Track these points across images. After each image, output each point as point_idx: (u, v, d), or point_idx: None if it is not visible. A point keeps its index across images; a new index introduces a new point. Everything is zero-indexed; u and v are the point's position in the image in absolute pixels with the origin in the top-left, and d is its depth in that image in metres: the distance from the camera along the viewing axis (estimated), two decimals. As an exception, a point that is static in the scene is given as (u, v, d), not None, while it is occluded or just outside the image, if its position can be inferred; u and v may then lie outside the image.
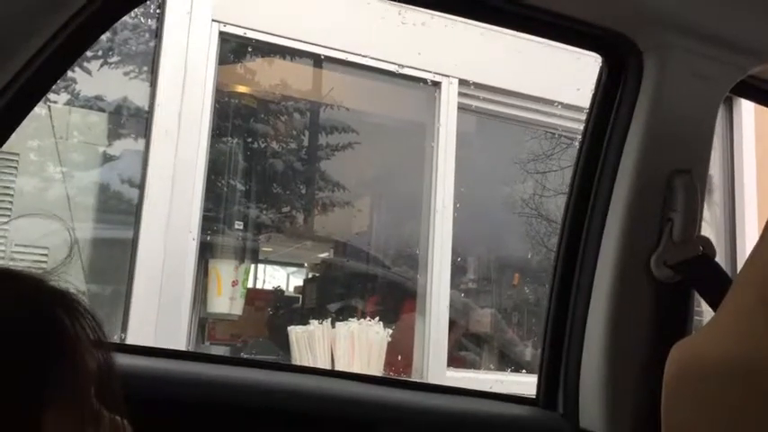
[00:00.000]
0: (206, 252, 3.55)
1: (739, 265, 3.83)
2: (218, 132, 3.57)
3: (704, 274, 1.16)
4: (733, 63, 1.19)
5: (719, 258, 1.21)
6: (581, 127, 1.35)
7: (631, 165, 1.18)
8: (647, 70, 1.18)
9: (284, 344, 3.54)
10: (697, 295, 1.21)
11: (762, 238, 0.88)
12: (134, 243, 3.13)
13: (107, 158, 3.57)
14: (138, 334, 2.99)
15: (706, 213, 1.23)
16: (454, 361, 3.75)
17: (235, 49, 3.69)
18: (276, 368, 1.30)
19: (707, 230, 1.22)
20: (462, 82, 3.81)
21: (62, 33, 0.87)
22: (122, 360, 0.70)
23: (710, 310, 1.13)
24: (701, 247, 1.17)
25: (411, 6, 1.20)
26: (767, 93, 1.31)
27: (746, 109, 4.03)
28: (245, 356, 3.74)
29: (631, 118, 1.19)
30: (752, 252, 0.90)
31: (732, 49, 1.17)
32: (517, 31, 1.24)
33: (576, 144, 4.03)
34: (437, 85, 3.80)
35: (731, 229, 4.00)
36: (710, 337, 0.90)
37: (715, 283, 1.13)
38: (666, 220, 1.16)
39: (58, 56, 0.90)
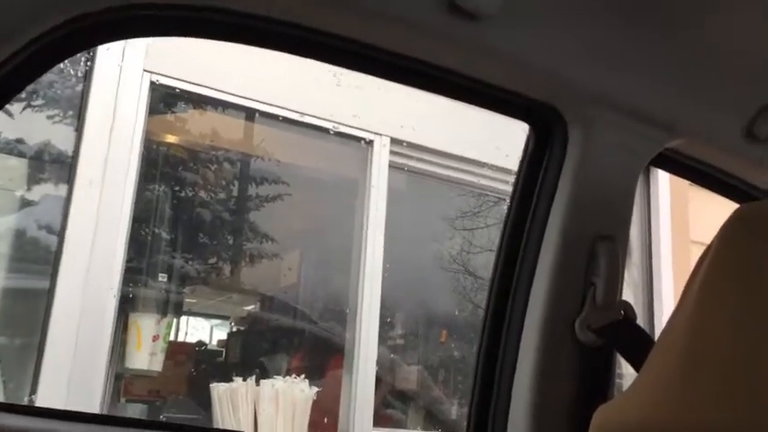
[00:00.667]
0: (126, 305, 3.43)
1: (657, 324, 3.97)
2: (145, 182, 3.49)
3: (626, 337, 1.19)
4: (652, 136, 1.25)
5: (639, 318, 1.25)
6: (509, 188, 1.38)
7: (556, 229, 1.22)
8: (572, 140, 1.23)
9: (206, 401, 3.42)
10: (619, 359, 1.24)
11: (679, 304, 0.92)
12: (50, 294, 3.00)
13: (25, 204, 3.44)
14: (50, 389, 2.84)
15: (626, 274, 1.27)
16: (380, 419, 3.70)
17: (166, 99, 3.65)
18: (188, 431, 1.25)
19: (627, 290, 1.26)
20: (394, 141, 3.88)
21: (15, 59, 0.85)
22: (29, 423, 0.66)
23: (631, 372, 1.15)
24: (622, 312, 1.21)
25: (339, 67, 1.20)
26: (682, 165, 1.38)
27: (662, 178, 4.24)
28: (158, 419, 3.59)
29: (557, 184, 1.24)
30: (669, 319, 0.94)
31: (651, 124, 1.23)
32: (446, 96, 1.27)
33: (503, 203, 4.14)
34: (369, 143, 3.85)
35: (649, 289, 4.15)
36: (632, 401, 0.92)
37: (637, 345, 1.17)
38: (589, 285, 1.20)
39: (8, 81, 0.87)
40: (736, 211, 0.91)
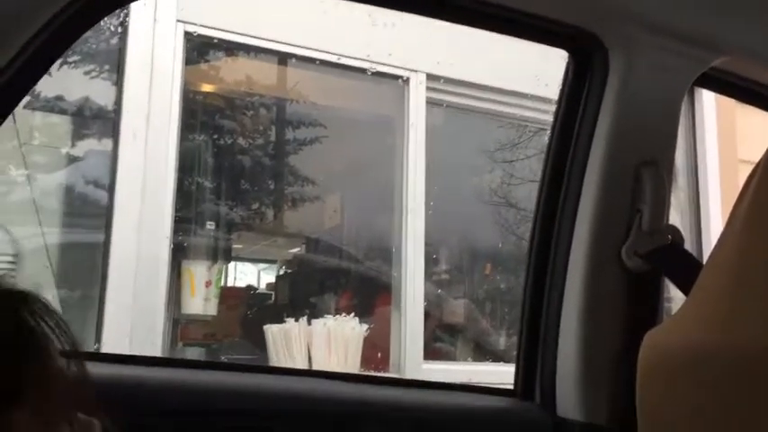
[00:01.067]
0: (178, 253, 3.52)
1: (705, 248, 3.93)
2: (186, 131, 3.53)
3: (674, 261, 1.19)
4: (695, 56, 1.22)
5: (687, 242, 1.24)
6: (549, 118, 1.37)
7: (600, 157, 1.21)
8: (613, 65, 1.21)
9: (260, 343, 3.53)
10: (667, 283, 1.24)
11: (727, 225, 0.92)
12: (106, 246, 3.09)
13: (71, 160, 3.52)
14: (112, 338, 2.96)
15: (672, 199, 1.26)
16: (430, 353, 3.78)
17: (201, 48, 3.66)
18: (250, 370, 1.30)
19: (673, 215, 1.25)
20: (430, 77, 3.83)
21: (47, 29, 0.87)
22: (96, 369, 0.70)
23: (680, 296, 1.16)
24: (669, 236, 1.20)
25: (377, 6, 1.20)
26: (727, 83, 1.34)
27: (707, 99, 4.11)
28: (218, 360, 3.72)
29: (599, 112, 1.22)
30: (719, 239, 0.93)
31: (693, 44, 1.20)
32: (482, 29, 1.26)
33: (543, 134, 4.09)
34: (406, 81, 3.81)
35: (696, 212, 4.09)
36: (682, 324, 0.93)
37: (685, 269, 1.16)
38: (636, 211, 1.19)
39: (43, 52, 0.89)
40: (785, 129, 0.89)
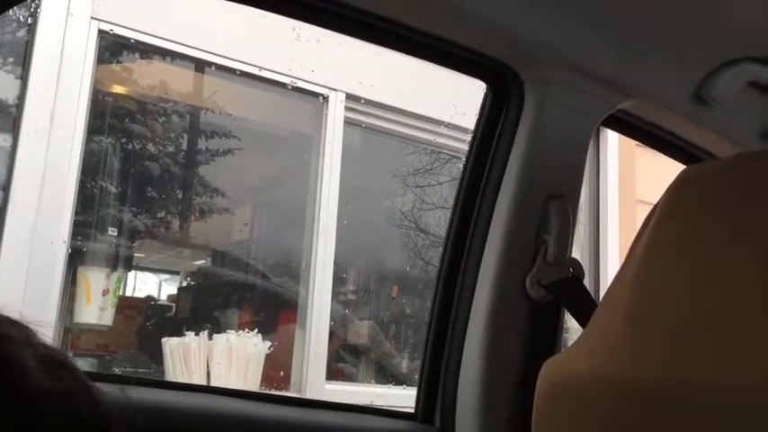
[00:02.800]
0: (75, 259, 3.37)
1: (602, 281, 4.07)
2: (92, 132, 3.40)
3: (574, 294, 1.23)
4: (605, 98, 1.28)
5: (586, 275, 1.29)
6: (465, 147, 1.40)
7: (511, 188, 1.24)
8: (528, 100, 1.25)
9: (158, 356, 3.41)
10: (566, 314, 1.28)
11: (624, 263, 0.95)
12: (-6, 247, 2.92)
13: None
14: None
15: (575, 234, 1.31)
16: (333, 374, 3.76)
17: (114, 48, 3.54)
18: (150, 385, 1.25)
19: (574, 249, 1.29)
20: (350, 97, 3.85)
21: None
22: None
23: (577, 328, 1.20)
24: (571, 269, 1.25)
25: (300, 21, 1.19)
26: (632, 126, 1.41)
27: (611, 139, 4.32)
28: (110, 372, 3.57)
29: (512, 143, 1.26)
30: (616, 276, 0.97)
31: (604, 85, 1.26)
32: (404, 53, 1.27)
33: (456, 161, 4.17)
34: (325, 98, 3.81)
35: (595, 247, 4.27)
36: (578, 355, 0.96)
37: (583, 302, 1.21)
38: (541, 242, 1.23)
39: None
40: (682, 172, 0.94)
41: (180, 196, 4.14)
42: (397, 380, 4.07)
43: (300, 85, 3.71)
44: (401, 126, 4.08)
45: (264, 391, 3.40)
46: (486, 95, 1.32)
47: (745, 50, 1.23)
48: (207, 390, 1.85)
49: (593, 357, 0.92)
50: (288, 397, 1.57)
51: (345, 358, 4.06)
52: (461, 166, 1.37)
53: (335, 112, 3.81)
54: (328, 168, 3.76)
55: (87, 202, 3.48)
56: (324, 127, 3.80)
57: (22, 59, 3.14)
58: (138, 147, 3.89)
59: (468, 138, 1.39)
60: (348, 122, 3.88)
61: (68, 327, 3.43)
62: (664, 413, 0.77)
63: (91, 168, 3.46)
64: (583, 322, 1.15)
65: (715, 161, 1.32)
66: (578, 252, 4.20)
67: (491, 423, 1.20)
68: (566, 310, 1.26)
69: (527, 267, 1.22)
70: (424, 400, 1.31)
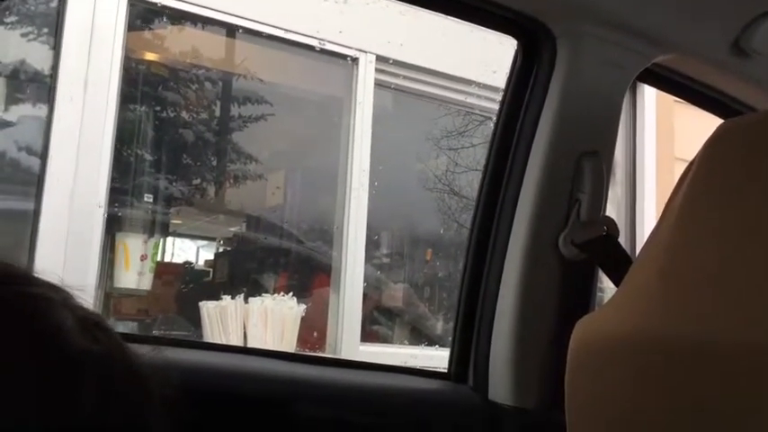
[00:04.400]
0: (113, 225, 3.43)
1: (638, 241, 4.04)
2: (126, 100, 3.43)
3: (608, 252, 1.21)
4: (640, 51, 1.24)
5: (621, 235, 1.27)
6: (495, 107, 1.38)
7: (543, 146, 1.22)
8: (560, 56, 1.22)
9: (196, 320, 3.48)
10: (600, 273, 1.26)
11: (660, 220, 0.94)
12: (35, 215, 2.98)
13: (2, 125, 3.38)
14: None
15: (609, 192, 1.29)
16: (367, 336, 3.79)
17: (144, 14, 3.55)
18: (186, 345, 1.28)
19: (609, 208, 1.27)
20: (380, 58, 3.81)
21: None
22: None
23: (612, 287, 1.18)
24: (605, 228, 1.23)
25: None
26: (668, 80, 1.37)
27: (648, 95, 4.22)
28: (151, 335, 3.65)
29: (544, 100, 1.23)
30: (651, 233, 0.95)
31: (639, 39, 1.22)
32: (435, 11, 1.25)
33: (489, 123, 4.12)
34: (355, 60, 3.78)
35: (632, 206, 4.21)
36: (611, 314, 0.95)
37: (617, 261, 1.19)
38: (574, 201, 1.21)
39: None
40: (720, 126, 0.91)
41: (214, 163, 4.18)
42: (431, 341, 4.10)
43: (329, 47, 3.68)
44: (431, 87, 4.03)
45: (300, 352, 3.45)
46: (516, 52, 1.30)
47: (788, -2, 1.19)
48: (242, 351, 1.88)
49: (625, 315, 0.91)
50: (322, 357, 1.59)
51: (379, 320, 4.10)
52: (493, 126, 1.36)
53: (366, 74, 3.78)
54: (359, 130, 3.75)
55: (124, 169, 3.53)
56: (354, 89, 3.78)
57: (55, 29, 3.16)
58: (171, 114, 3.93)
59: (500, 97, 1.37)
60: (378, 84, 3.85)
61: (108, 292, 3.51)
62: (696, 371, 0.76)
63: (126, 136, 3.50)
64: (617, 281, 1.13)
65: (755, 114, 1.28)
66: (614, 210, 4.14)
67: (524, 382, 1.21)
68: (600, 270, 1.25)
69: (560, 226, 1.21)
70: (457, 359, 1.32)
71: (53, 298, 0.62)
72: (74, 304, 0.64)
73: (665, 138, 4.31)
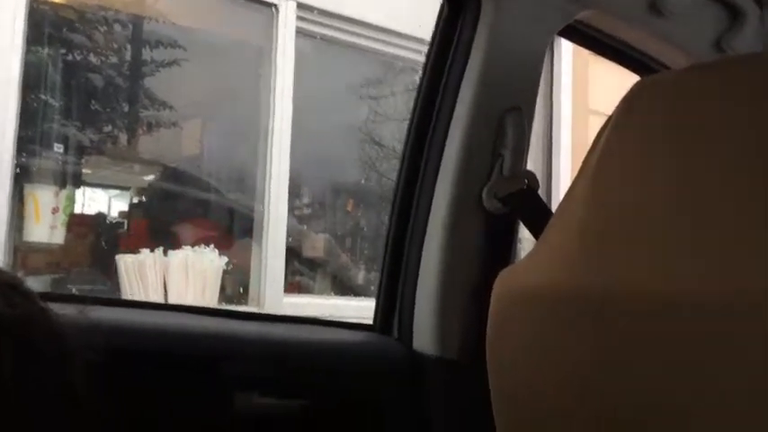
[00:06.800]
0: (21, 177, 3.27)
1: (553, 192, 4.15)
2: (32, 45, 3.24)
3: (528, 205, 1.24)
4: (561, 8, 1.26)
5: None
6: (419, 57, 1.37)
7: (467, 101, 1.23)
8: (484, 11, 1.22)
9: (111, 273, 3.38)
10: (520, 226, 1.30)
11: (578, 175, 0.96)
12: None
13: None
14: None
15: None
16: (289, 287, 3.80)
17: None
18: (112, 304, 1.25)
19: (528, 159, 1.30)
20: (301, 6, 3.73)
21: None
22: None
23: (529, 238, 1.22)
24: (526, 181, 1.26)
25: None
26: (588, 36, 1.40)
27: (565, 48, 4.31)
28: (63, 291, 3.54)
29: (468, 57, 1.24)
30: (569, 188, 0.98)
31: (561, -5, 1.24)
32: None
33: (409, 71, 4.12)
34: (275, 7, 3.69)
35: (548, 159, 4.32)
36: (531, 266, 0.98)
37: (538, 214, 1.22)
38: (497, 156, 1.23)
39: None
40: (637, 83, 0.94)
41: (127, 110, 4.02)
42: (354, 291, 4.14)
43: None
44: (355, 36, 3.99)
45: (222, 306, 3.43)
46: (442, 5, 1.29)
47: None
48: (166, 307, 1.85)
49: (546, 268, 0.94)
50: (245, 313, 1.58)
51: (302, 271, 4.10)
52: (417, 78, 1.35)
53: (287, 22, 3.70)
54: (281, 80, 3.67)
55: (30, 117, 3.35)
56: (275, 37, 3.69)
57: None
58: (79, 58, 3.74)
59: (424, 49, 1.37)
60: (300, 32, 3.77)
61: (17, 245, 3.37)
62: (614, 322, 0.80)
63: (33, 82, 3.32)
64: (537, 234, 1.16)
65: (669, 72, 1.32)
66: (531, 163, 4.24)
67: (447, 333, 1.24)
68: (520, 222, 1.28)
69: (483, 180, 1.23)
70: (383, 311, 1.34)
71: None
72: None
73: (580, 91, 4.43)
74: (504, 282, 0.99)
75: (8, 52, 2.96)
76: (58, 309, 0.66)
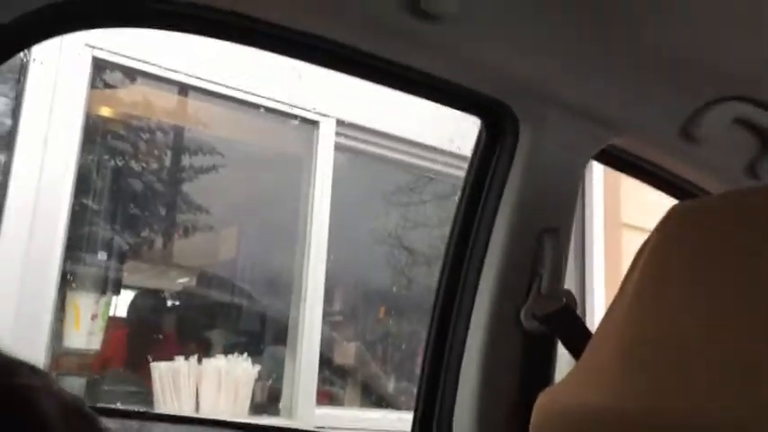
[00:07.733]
0: (64, 284, 3.34)
1: (588, 307, 4.08)
2: (84, 157, 3.40)
3: (567, 325, 1.25)
4: (596, 134, 1.32)
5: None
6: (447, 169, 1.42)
7: (505, 222, 1.27)
8: (522, 136, 1.28)
9: (146, 376, 3.38)
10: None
11: (618, 295, 0.98)
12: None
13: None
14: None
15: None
16: (321, 396, 3.74)
17: (106, 72, 3.55)
18: (169, 420, 1.26)
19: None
20: (341, 123, 3.88)
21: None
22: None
23: (564, 353, 1.22)
24: (564, 300, 1.27)
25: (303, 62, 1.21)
26: (622, 160, 1.45)
27: (597, 171, 4.37)
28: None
29: (507, 178, 1.29)
30: (609, 308, 1.00)
31: (596, 122, 1.30)
32: (402, 91, 1.30)
33: (438, 181, 4.21)
34: (315, 123, 3.84)
35: (581, 273, 4.29)
36: (573, 388, 0.98)
37: (576, 334, 1.23)
38: (536, 275, 1.26)
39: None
40: (673, 208, 0.96)
41: (164, 215, 4.13)
42: (384, 400, 4.06)
43: (294, 111, 3.75)
44: (388, 150, 4.12)
45: (254, 417, 3.38)
46: (480, 131, 1.36)
47: (731, 90, 1.28)
48: (216, 424, 1.84)
49: (586, 389, 0.94)
50: (281, 427, 1.58)
51: (334, 381, 4.05)
52: (445, 187, 1.40)
53: (326, 137, 3.84)
54: (319, 190, 3.78)
55: (77, 225, 3.46)
56: (315, 150, 3.83)
57: (17, 81, 3.14)
58: (127, 166, 3.89)
59: (458, 162, 1.42)
60: (339, 147, 3.91)
61: (56, 352, 3.40)
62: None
63: (81, 191, 3.46)
64: (576, 354, 1.17)
65: (705, 198, 1.35)
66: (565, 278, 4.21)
67: (487, 454, 1.22)
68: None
69: (522, 300, 1.25)
70: (420, 426, 1.33)
71: (35, 385, 0.61)
72: (56, 390, 0.63)
73: (612, 203, 4.45)
74: (545, 402, 0.99)
75: (63, 164, 3.10)
76: (118, 425, 0.68)
